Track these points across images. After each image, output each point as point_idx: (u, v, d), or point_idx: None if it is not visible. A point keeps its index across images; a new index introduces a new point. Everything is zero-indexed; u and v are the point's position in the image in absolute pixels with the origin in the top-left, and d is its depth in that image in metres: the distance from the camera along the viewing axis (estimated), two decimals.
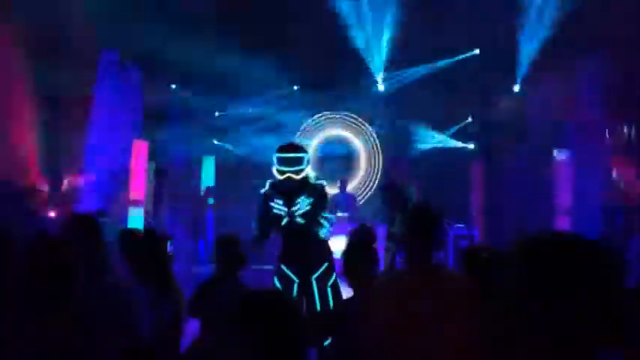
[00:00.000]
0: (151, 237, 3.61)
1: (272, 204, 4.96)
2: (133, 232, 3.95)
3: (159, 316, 3.18)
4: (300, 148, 5.15)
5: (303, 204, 4.91)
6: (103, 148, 8.99)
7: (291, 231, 4.91)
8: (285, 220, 4.91)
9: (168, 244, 4.25)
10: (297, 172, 4.93)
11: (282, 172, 4.94)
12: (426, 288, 2.49)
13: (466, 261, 3.31)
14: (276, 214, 4.94)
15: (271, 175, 5.10)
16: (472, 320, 2.40)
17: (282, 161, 4.95)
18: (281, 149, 5.07)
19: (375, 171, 12.66)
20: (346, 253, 3.20)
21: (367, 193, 12.49)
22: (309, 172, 5.04)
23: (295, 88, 11.84)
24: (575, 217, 9.19)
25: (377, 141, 12.62)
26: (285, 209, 4.90)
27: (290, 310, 1.77)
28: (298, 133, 12.50)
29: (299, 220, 4.90)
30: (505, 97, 11.22)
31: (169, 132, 11.40)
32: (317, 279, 4.85)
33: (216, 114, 12.11)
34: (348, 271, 3.14)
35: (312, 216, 4.92)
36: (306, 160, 4.99)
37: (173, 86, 11.38)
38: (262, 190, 5.09)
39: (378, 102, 11.91)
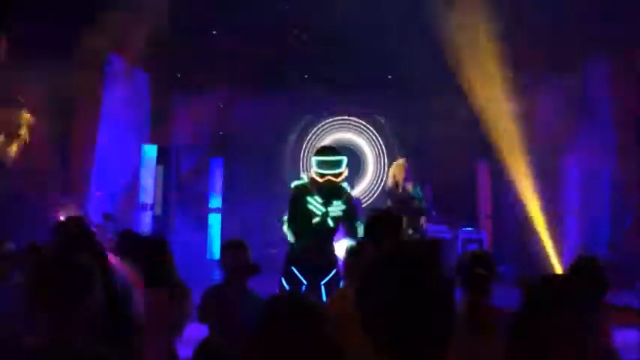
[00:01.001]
0: (151, 240, 3.66)
1: (309, 198, 4.95)
2: (135, 234, 3.96)
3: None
4: (338, 151, 5.24)
5: (338, 208, 4.96)
6: (112, 152, 9.04)
7: (318, 231, 4.91)
8: (317, 219, 4.91)
9: None
10: (337, 175, 4.99)
11: (322, 175, 4.97)
12: None
13: None
14: (310, 210, 4.93)
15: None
16: None
17: (322, 164, 4.99)
18: (321, 152, 5.14)
19: (381, 175, 12.65)
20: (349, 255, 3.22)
21: (373, 197, 12.48)
22: (346, 174, 5.09)
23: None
24: (583, 219, 9.14)
25: (383, 146, 12.62)
26: (323, 209, 4.91)
27: (317, 313, 1.77)
28: (308, 136, 12.52)
29: (330, 222, 4.92)
30: (512, 98, 11.17)
31: (178, 135, 11.46)
32: (326, 284, 4.85)
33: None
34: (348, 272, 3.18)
35: (340, 221, 5.00)
36: (345, 162, 5.04)
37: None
38: (298, 183, 5.12)
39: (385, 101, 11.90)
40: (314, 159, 5.08)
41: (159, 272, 3.38)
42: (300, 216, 4.95)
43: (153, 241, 3.60)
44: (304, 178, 5.19)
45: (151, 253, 3.41)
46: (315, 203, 4.95)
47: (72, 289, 1.71)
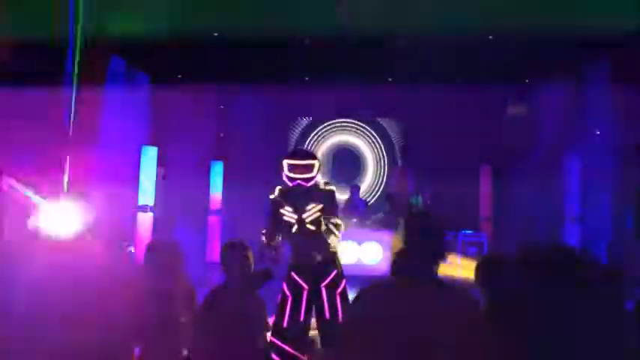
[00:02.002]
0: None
1: (282, 211, 4.92)
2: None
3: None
4: (310, 155, 5.14)
5: (313, 210, 4.89)
6: (112, 153, 9.03)
7: (302, 238, 4.88)
8: (295, 227, 4.87)
9: None
10: (308, 180, 4.92)
11: (292, 179, 4.93)
12: (421, 304, 2.23)
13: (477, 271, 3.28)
14: (286, 221, 4.90)
15: (280, 181, 5.10)
16: (470, 346, 2.16)
17: (292, 168, 4.93)
18: (291, 156, 5.05)
19: (382, 178, 12.65)
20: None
21: (373, 200, 12.48)
22: (319, 178, 5.04)
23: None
24: (584, 225, 9.13)
25: (383, 148, 12.62)
26: (296, 216, 4.86)
27: None
28: (308, 139, 12.54)
29: (309, 227, 4.87)
30: (515, 102, 11.19)
31: (178, 137, 11.45)
32: (326, 287, 4.83)
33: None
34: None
35: (321, 222, 4.88)
36: (316, 167, 4.97)
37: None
38: (271, 197, 5.07)
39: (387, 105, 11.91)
40: (285, 162, 4.99)
41: (174, 274, 3.37)
42: (282, 228, 4.92)
43: (167, 243, 3.55)
44: (276, 191, 5.12)
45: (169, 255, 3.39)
46: (288, 214, 4.89)
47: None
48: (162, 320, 3.28)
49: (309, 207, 4.84)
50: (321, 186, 5.01)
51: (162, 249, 3.59)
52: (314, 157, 5.07)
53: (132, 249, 6.12)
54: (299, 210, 4.84)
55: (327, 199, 4.96)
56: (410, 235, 2.38)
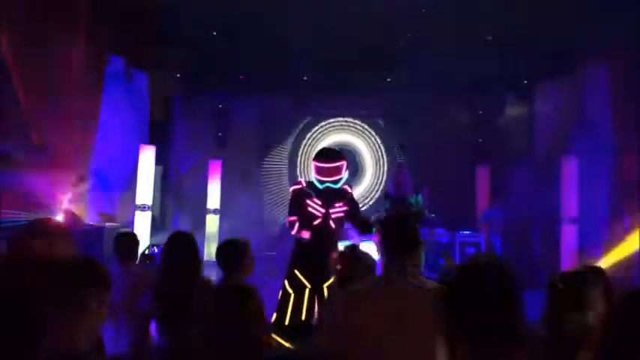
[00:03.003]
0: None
1: (308, 201, 4.91)
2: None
3: None
4: (338, 156, 5.08)
5: (339, 209, 4.94)
6: (111, 152, 9.02)
7: (319, 233, 4.87)
8: (317, 221, 4.89)
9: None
10: (336, 182, 4.94)
11: (321, 182, 4.93)
12: (394, 301, 2.29)
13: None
14: (311, 212, 4.90)
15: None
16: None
17: (321, 171, 4.93)
18: (320, 158, 5.00)
19: (380, 178, 12.66)
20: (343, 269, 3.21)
21: (372, 200, 12.48)
22: (346, 176, 5.04)
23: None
24: (581, 226, 9.14)
25: (382, 148, 12.63)
26: (323, 210, 4.88)
27: None
28: (306, 138, 12.55)
29: (331, 223, 4.89)
30: (513, 103, 11.21)
31: (176, 135, 11.45)
32: (329, 287, 4.82)
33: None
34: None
35: (342, 222, 4.99)
36: (344, 168, 4.98)
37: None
38: (297, 186, 5.06)
39: (384, 105, 11.92)
40: (313, 164, 5.01)
41: (193, 272, 3.31)
42: (300, 219, 4.92)
43: (186, 240, 3.36)
44: (302, 181, 5.16)
45: (188, 253, 3.30)
46: (315, 206, 4.91)
47: (83, 294, 1.69)
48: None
49: (337, 204, 4.87)
50: (346, 188, 5.06)
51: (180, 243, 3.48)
52: (341, 157, 5.05)
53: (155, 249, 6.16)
54: (327, 205, 4.86)
55: (351, 201, 5.06)
56: (386, 242, 2.41)
